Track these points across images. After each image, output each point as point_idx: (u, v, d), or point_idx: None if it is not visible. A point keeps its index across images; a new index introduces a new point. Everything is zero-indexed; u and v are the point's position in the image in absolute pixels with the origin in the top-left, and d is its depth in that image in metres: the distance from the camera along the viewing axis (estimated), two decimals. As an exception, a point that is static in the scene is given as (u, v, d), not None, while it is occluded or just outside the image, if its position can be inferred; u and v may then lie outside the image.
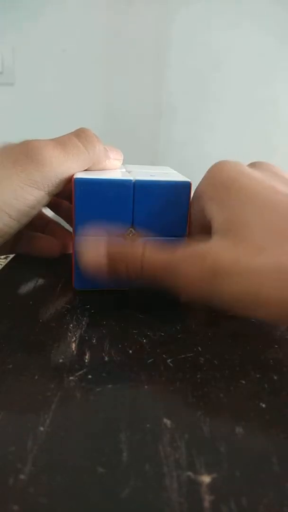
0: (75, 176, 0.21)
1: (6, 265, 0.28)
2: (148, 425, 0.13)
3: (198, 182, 0.22)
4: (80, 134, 0.23)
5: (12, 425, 0.13)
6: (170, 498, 0.11)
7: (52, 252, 0.28)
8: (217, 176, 0.21)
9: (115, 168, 0.25)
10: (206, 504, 0.11)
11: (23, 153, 0.21)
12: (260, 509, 0.11)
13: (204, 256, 0.19)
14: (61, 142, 0.22)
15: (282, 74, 1.08)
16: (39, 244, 0.28)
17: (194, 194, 0.23)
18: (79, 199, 0.21)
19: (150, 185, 0.22)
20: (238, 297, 0.18)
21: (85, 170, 0.23)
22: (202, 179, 0.22)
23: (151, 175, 0.23)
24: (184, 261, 0.19)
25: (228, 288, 0.18)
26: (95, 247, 0.20)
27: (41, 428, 0.13)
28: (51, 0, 1.05)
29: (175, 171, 0.25)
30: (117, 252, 0.20)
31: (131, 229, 0.22)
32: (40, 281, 0.25)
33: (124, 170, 0.25)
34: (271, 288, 0.17)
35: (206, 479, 0.12)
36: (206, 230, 0.21)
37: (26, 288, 0.24)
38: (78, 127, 0.24)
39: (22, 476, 0.11)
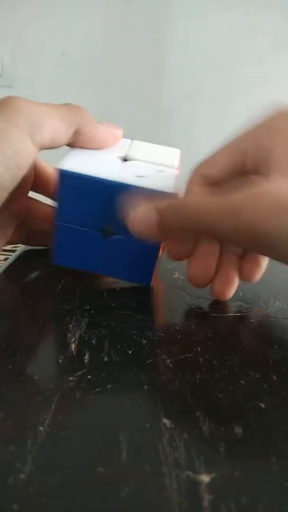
0: (60, 166, 0.21)
1: (6, 266, 0.28)
2: (147, 425, 0.13)
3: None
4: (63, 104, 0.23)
5: (12, 425, 0.13)
6: (169, 498, 0.11)
7: None
8: None
9: (111, 138, 0.24)
10: (206, 503, 0.11)
11: (2, 103, 0.21)
12: (259, 508, 0.11)
13: (278, 194, 0.18)
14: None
15: (281, 76, 1.09)
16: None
17: (247, 127, 0.21)
18: (62, 190, 0.22)
19: (132, 188, 0.22)
20: None
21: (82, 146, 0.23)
22: (266, 116, 0.21)
23: (137, 176, 0.22)
24: (248, 201, 0.18)
25: None
26: (143, 210, 0.20)
27: (41, 428, 0.13)
28: (50, 3, 1.05)
29: (176, 162, 0.25)
30: (166, 206, 0.20)
31: (108, 226, 0.23)
32: (40, 282, 0.26)
33: (122, 155, 0.24)
34: None
35: (205, 478, 0.12)
36: (238, 168, 0.21)
37: (26, 288, 0.24)
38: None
39: (21, 476, 0.11)
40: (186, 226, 0.20)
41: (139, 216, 0.21)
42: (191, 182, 0.22)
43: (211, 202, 0.19)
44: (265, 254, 0.22)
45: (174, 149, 0.27)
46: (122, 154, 0.24)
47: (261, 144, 0.20)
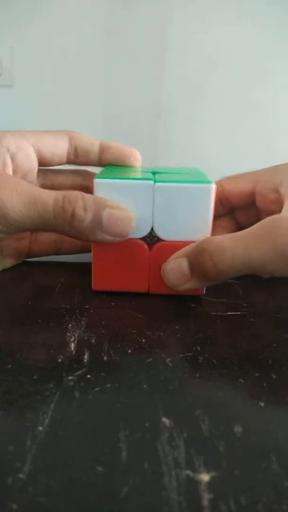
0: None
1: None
2: (147, 424, 0.13)
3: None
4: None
5: (11, 425, 0.13)
6: (169, 497, 0.11)
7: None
8: None
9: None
10: (205, 502, 0.11)
11: None
12: (259, 507, 0.11)
13: None
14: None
15: (280, 75, 1.08)
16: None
17: (273, 167, 0.26)
18: None
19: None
20: None
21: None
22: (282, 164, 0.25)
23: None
24: (277, 221, 0.20)
25: None
26: (172, 260, 0.21)
27: (40, 428, 0.13)
28: (50, 2, 1.05)
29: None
30: (194, 248, 0.21)
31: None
32: (39, 281, 0.26)
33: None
34: None
35: (205, 477, 0.12)
36: (250, 192, 0.26)
37: (25, 288, 0.24)
38: (76, 129, 0.25)
39: (21, 475, 0.11)
40: (221, 261, 0.20)
41: (170, 266, 0.21)
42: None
43: (238, 233, 0.21)
44: None
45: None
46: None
47: (270, 177, 0.25)
